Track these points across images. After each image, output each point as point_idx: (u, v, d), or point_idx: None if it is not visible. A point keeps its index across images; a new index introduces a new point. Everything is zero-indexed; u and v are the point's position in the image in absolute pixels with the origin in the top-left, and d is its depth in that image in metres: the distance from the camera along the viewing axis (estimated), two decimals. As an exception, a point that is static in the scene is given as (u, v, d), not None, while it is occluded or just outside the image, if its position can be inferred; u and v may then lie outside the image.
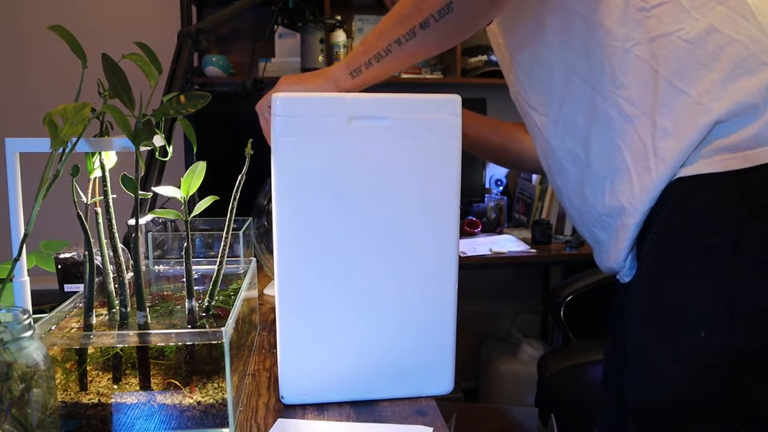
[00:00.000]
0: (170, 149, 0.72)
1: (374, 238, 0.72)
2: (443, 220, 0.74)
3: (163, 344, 0.66)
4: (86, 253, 0.68)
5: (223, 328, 0.64)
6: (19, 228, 0.67)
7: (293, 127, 0.69)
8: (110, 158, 0.71)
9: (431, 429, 0.70)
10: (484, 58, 2.55)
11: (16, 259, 0.63)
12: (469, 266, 2.12)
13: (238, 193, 0.77)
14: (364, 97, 0.71)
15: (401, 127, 0.71)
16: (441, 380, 0.78)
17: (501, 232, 2.49)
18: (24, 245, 0.63)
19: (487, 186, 2.65)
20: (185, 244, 0.71)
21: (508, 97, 0.96)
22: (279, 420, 0.71)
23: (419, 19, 0.72)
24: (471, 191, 2.48)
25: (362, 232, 0.72)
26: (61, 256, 0.89)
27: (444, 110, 0.72)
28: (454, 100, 0.72)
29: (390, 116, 0.71)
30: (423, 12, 0.71)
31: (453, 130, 0.72)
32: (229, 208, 0.77)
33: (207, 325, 0.72)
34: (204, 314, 0.76)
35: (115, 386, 0.66)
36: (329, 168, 0.70)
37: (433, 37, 0.73)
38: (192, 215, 0.72)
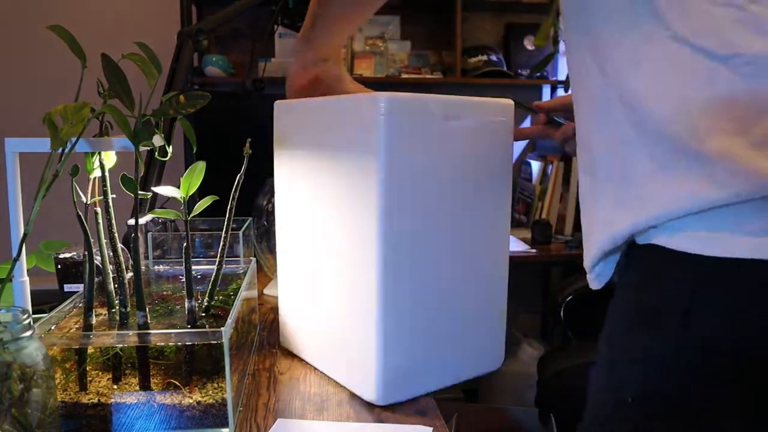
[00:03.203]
0: (170, 149, 0.72)
1: (440, 231, 0.76)
2: (498, 213, 0.82)
3: (162, 344, 0.66)
4: (86, 253, 0.68)
5: (222, 328, 0.64)
6: (19, 228, 0.67)
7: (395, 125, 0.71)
8: (110, 158, 0.71)
9: (431, 429, 0.70)
10: (484, 58, 2.55)
11: (16, 259, 0.63)
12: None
13: (237, 193, 0.77)
14: (444, 99, 0.75)
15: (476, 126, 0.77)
16: (491, 356, 0.86)
17: (501, 232, 2.49)
18: (24, 245, 0.63)
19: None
20: (185, 244, 0.71)
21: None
22: (279, 420, 0.71)
23: None
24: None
25: (431, 224, 0.76)
26: (61, 256, 0.89)
27: (498, 113, 0.79)
28: (507, 104, 0.80)
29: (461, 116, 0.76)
30: None
31: (506, 131, 0.80)
32: (228, 207, 0.77)
33: (207, 325, 0.72)
34: (204, 314, 0.76)
35: (115, 386, 0.66)
36: (425, 165, 0.75)
37: None
38: (191, 215, 0.72)
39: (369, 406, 0.75)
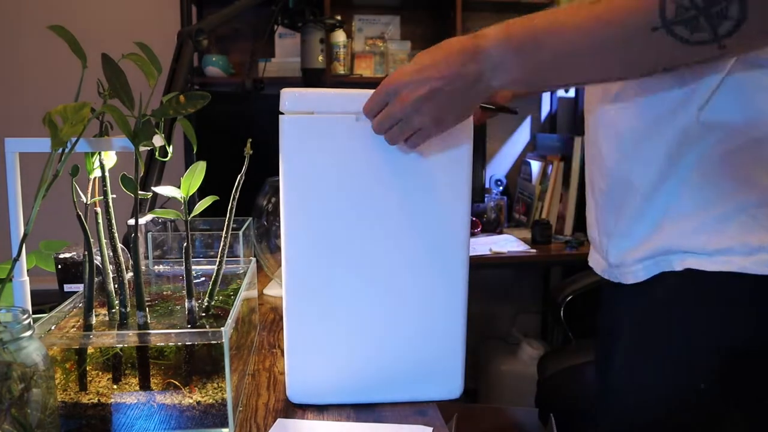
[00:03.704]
0: (170, 149, 0.72)
1: (383, 239, 0.72)
2: (453, 219, 0.74)
3: (162, 344, 0.66)
4: (86, 253, 0.68)
5: (222, 328, 0.64)
6: (19, 228, 0.67)
7: (301, 125, 0.69)
8: (110, 158, 0.71)
9: (431, 429, 0.70)
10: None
11: (16, 259, 0.63)
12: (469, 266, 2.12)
13: (238, 193, 0.77)
14: (368, 93, 0.69)
15: None
16: (450, 384, 0.78)
17: (501, 232, 2.49)
18: (24, 245, 0.63)
19: (487, 186, 2.65)
20: (185, 244, 0.71)
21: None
22: (279, 420, 0.71)
23: (667, 65, 0.55)
24: (471, 191, 2.48)
25: (371, 233, 0.72)
26: (61, 256, 0.89)
27: None
28: None
29: None
30: (678, 61, 0.55)
31: (464, 127, 0.71)
32: (229, 207, 0.77)
33: (207, 325, 0.72)
34: (204, 314, 0.76)
35: (115, 386, 0.66)
36: (338, 167, 0.70)
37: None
38: (192, 215, 0.72)
39: (369, 406, 0.75)
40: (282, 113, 0.69)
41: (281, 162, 0.70)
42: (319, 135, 0.69)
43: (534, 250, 2.23)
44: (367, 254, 0.72)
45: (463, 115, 0.66)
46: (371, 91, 0.69)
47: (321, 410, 0.74)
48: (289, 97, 0.69)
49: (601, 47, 0.56)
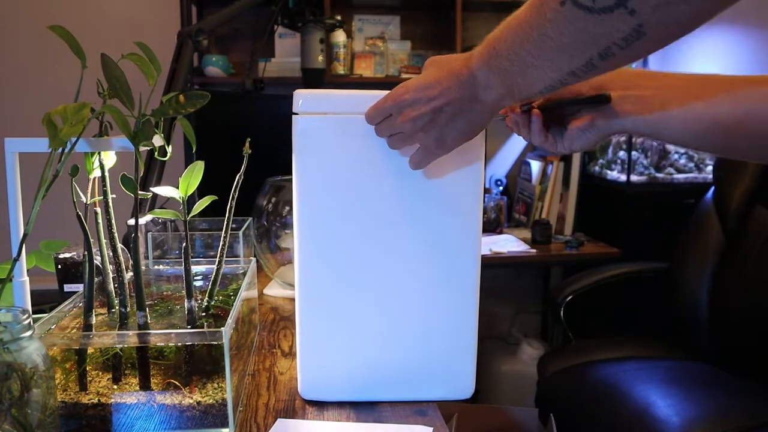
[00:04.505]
0: (170, 149, 0.72)
1: (396, 240, 0.72)
2: (466, 218, 0.74)
3: (162, 344, 0.66)
4: (86, 253, 0.68)
5: (222, 329, 0.64)
6: (18, 228, 0.67)
7: (314, 126, 0.69)
8: (110, 158, 0.71)
9: (431, 429, 0.70)
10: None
11: (16, 259, 0.63)
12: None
13: (237, 193, 0.77)
14: (380, 95, 0.69)
15: None
16: (462, 384, 0.78)
17: (501, 232, 2.49)
18: (24, 245, 0.63)
19: (487, 186, 2.65)
20: (184, 244, 0.71)
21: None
22: (279, 420, 0.71)
23: (597, 48, 0.53)
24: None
25: (383, 233, 0.72)
26: (61, 256, 0.89)
27: None
28: None
29: None
30: (601, 40, 0.52)
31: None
32: (228, 207, 0.77)
33: (206, 325, 0.72)
34: (203, 314, 0.76)
35: (115, 386, 0.66)
36: (351, 168, 0.71)
37: (615, 66, 0.56)
38: (191, 215, 0.72)
39: (369, 405, 0.75)
40: (295, 114, 0.70)
41: (294, 162, 0.71)
42: (332, 136, 0.70)
43: (534, 250, 2.23)
44: (380, 255, 0.73)
45: (466, 136, 0.65)
46: (384, 93, 0.69)
47: (321, 410, 0.74)
48: (302, 98, 0.70)
49: (531, 37, 0.54)
